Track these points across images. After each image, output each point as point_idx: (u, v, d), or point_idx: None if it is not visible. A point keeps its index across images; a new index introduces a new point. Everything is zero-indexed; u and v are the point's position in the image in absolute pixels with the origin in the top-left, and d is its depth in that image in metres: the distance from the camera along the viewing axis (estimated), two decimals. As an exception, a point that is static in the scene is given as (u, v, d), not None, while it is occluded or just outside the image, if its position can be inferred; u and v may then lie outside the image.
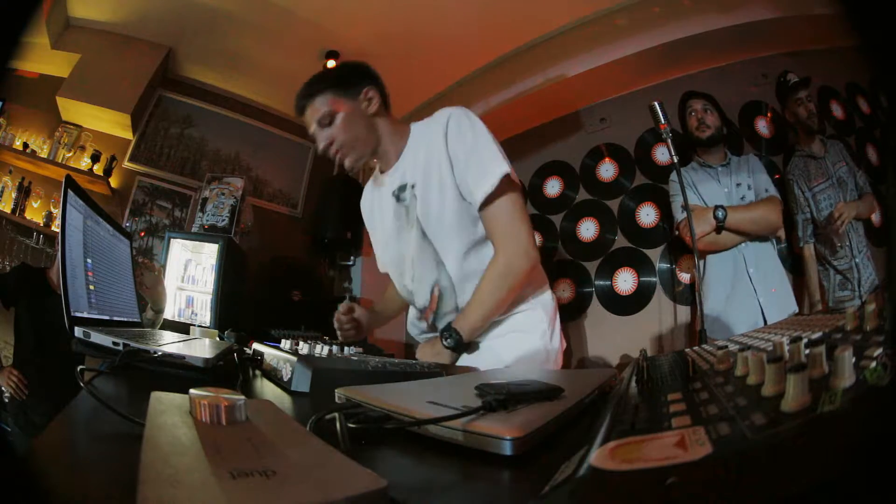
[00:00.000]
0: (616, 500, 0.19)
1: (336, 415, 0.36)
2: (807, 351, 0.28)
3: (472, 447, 0.34)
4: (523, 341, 1.14)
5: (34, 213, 2.61)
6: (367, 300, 3.08)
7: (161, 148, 3.06)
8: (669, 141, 1.72)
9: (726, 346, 0.45)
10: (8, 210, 2.53)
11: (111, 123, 2.84)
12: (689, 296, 2.46)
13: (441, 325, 1.16)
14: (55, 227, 2.55)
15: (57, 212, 2.53)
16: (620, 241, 2.74)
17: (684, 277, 2.52)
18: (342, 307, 1.31)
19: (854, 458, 0.16)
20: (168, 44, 2.88)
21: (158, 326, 2.03)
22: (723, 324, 1.86)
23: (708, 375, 0.37)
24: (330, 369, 0.63)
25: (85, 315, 0.87)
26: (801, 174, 2.03)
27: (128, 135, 2.93)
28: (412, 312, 1.29)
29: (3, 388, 1.83)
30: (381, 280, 1.40)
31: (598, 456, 0.21)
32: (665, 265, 2.60)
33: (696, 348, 0.62)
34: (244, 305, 2.76)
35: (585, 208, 2.87)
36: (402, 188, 1.19)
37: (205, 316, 2.57)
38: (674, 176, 2.01)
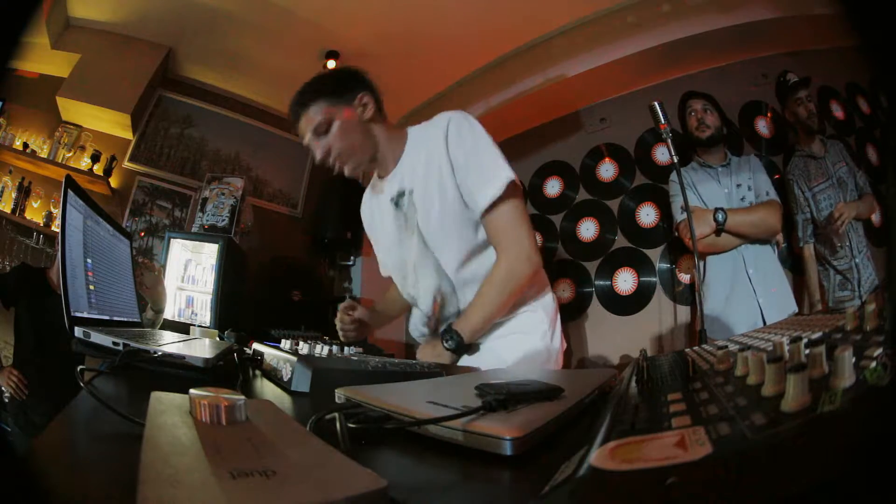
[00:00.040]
0: (616, 500, 0.19)
1: (336, 415, 0.36)
2: (807, 351, 0.28)
3: (472, 447, 0.34)
4: (524, 342, 1.14)
5: (34, 213, 2.61)
6: (367, 300, 3.08)
7: (161, 148, 3.06)
8: (669, 141, 1.72)
9: (726, 346, 0.45)
10: (8, 210, 2.54)
11: (111, 123, 2.84)
12: (689, 296, 2.46)
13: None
14: (55, 227, 2.55)
15: (57, 212, 2.53)
16: (620, 241, 2.74)
17: (684, 278, 2.52)
18: (344, 306, 1.31)
19: (854, 458, 0.16)
20: (168, 44, 2.88)
21: (158, 326, 2.03)
22: (722, 324, 1.86)
23: (708, 375, 0.37)
24: (330, 369, 0.63)
25: (85, 315, 0.87)
26: (801, 174, 2.03)
27: (128, 135, 2.93)
28: (415, 314, 1.29)
29: (3, 388, 1.83)
30: (381, 280, 1.40)
31: (598, 456, 0.21)
32: (665, 265, 2.60)
33: (696, 348, 0.62)
34: (244, 305, 2.76)
35: (585, 208, 2.87)
36: (401, 194, 1.17)
37: (205, 316, 2.57)
38: (674, 176, 2.01)
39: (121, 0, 2.61)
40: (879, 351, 0.23)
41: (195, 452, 0.23)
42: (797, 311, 1.91)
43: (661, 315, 2.55)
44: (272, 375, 0.70)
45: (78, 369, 0.48)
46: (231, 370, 0.76)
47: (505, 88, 2.91)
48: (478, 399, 0.39)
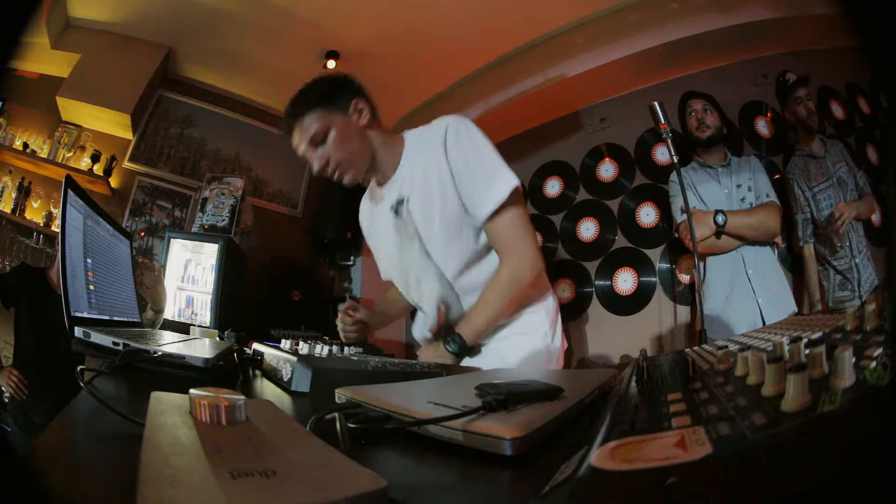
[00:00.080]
0: (616, 500, 0.19)
1: (336, 415, 0.36)
2: (807, 351, 0.28)
3: (472, 447, 0.34)
4: (525, 343, 1.15)
5: (34, 213, 2.61)
6: (367, 300, 3.08)
7: (161, 148, 3.06)
8: (669, 141, 1.72)
9: (726, 347, 0.45)
10: (8, 210, 2.54)
11: (111, 123, 2.84)
12: (689, 296, 2.46)
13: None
14: (55, 227, 2.55)
15: (57, 212, 2.53)
16: (620, 241, 2.74)
17: (684, 278, 2.52)
18: (345, 307, 1.30)
19: (854, 458, 0.16)
20: (168, 44, 2.88)
21: (158, 326, 2.03)
22: (722, 324, 1.87)
23: (708, 375, 0.37)
24: (330, 369, 0.63)
25: (85, 315, 0.87)
26: (802, 174, 2.03)
27: (128, 135, 2.93)
28: (419, 318, 1.29)
29: (3, 388, 1.83)
30: (381, 280, 1.40)
31: (598, 456, 0.21)
32: (665, 265, 2.60)
33: (696, 348, 0.62)
34: (244, 305, 2.76)
35: (585, 208, 2.87)
36: (401, 202, 1.15)
37: (205, 316, 2.57)
38: (674, 176, 2.01)
39: (121, 0, 2.62)
40: (879, 351, 0.23)
41: (195, 452, 0.23)
42: (797, 311, 1.91)
43: (661, 315, 2.55)
44: (272, 375, 0.70)
45: (78, 369, 0.48)
46: (231, 370, 0.76)
47: (505, 88, 2.91)
48: (478, 399, 0.39)
